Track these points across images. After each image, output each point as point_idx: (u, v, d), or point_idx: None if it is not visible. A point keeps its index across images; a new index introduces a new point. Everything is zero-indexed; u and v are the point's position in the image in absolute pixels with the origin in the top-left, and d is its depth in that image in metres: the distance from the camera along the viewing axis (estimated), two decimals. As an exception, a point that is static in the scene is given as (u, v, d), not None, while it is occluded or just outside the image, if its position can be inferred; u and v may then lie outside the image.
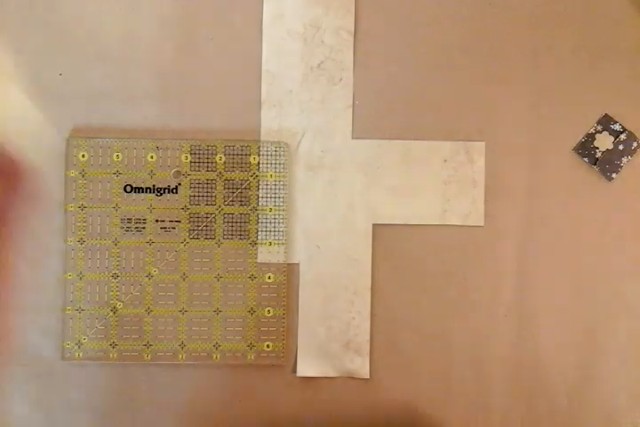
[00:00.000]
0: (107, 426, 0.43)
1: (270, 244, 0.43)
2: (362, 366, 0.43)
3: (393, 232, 0.43)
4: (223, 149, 0.43)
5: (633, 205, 0.44)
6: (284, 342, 0.43)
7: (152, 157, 0.43)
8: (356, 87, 0.44)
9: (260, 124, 0.44)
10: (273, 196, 0.43)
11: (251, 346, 0.43)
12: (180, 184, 0.43)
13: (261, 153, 0.43)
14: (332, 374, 0.43)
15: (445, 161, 0.44)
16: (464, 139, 0.44)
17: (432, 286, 0.43)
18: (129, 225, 0.43)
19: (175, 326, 0.43)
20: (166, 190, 0.43)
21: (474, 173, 0.44)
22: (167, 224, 0.43)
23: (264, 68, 0.44)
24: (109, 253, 0.43)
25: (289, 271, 0.43)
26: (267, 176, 0.43)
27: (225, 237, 0.43)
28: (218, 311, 0.43)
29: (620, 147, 0.44)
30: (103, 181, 0.43)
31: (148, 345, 0.43)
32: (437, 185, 0.44)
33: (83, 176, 0.43)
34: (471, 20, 0.44)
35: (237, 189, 0.43)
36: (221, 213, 0.43)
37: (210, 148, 0.43)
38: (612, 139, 0.44)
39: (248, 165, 0.43)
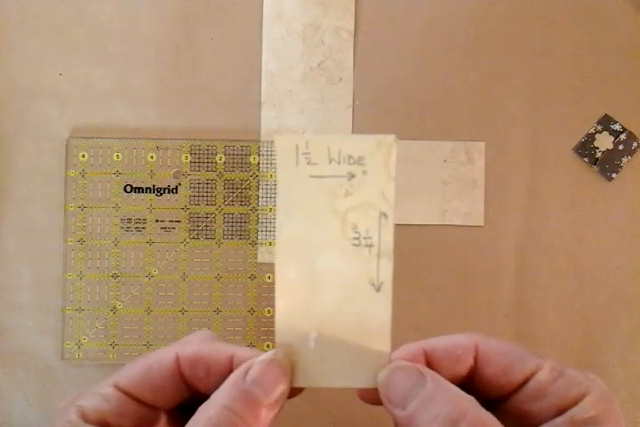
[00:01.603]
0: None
1: (270, 244, 0.43)
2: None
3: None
4: (223, 149, 0.43)
5: (633, 205, 0.44)
6: (284, 342, 0.43)
7: (152, 157, 0.43)
8: (355, 87, 0.44)
9: (260, 124, 0.44)
10: (273, 196, 0.43)
11: (251, 346, 0.43)
12: (180, 184, 0.43)
13: (261, 153, 0.43)
14: (331, 374, 0.43)
15: (445, 161, 0.44)
16: (464, 139, 0.44)
17: (432, 285, 0.43)
18: (129, 225, 0.43)
19: (175, 326, 0.43)
20: (166, 190, 0.43)
21: (474, 173, 0.44)
22: (167, 224, 0.43)
23: (264, 68, 0.44)
24: (109, 253, 0.43)
25: (289, 271, 0.43)
26: (267, 176, 0.43)
27: (225, 237, 0.43)
28: (218, 311, 0.43)
29: (620, 147, 0.44)
30: (103, 181, 0.43)
31: (147, 345, 0.43)
32: (437, 185, 0.44)
33: (83, 176, 0.43)
34: (471, 20, 0.44)
35: (237, 189, 0.43)
36: (221, 213, 0.43)
37: (210, 148, 0.43)
38: (612, 139, 0.44)
39: (248, 165, 0.43)
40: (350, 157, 0.22)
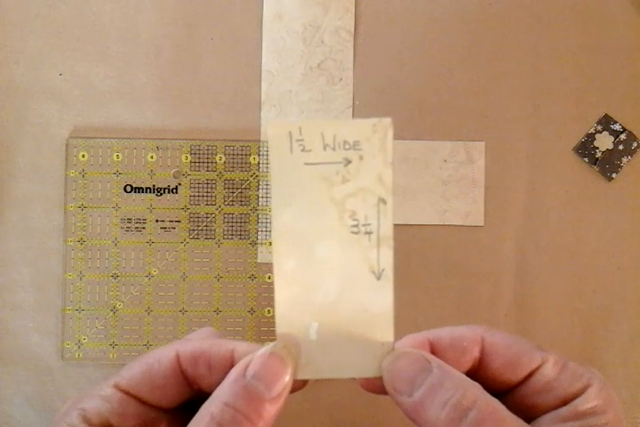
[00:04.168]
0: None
1: (270, 244, 0.43)
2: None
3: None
4: (223, 149, 0.43)
5: (633, 205, 0.44)
6: (284, 342, 0.43)
7: (152, 157, 0.43)
8: (355, 87, 0.44)
9: (260, 124, 0.44)
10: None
11: (251, 346, 0.43)
12: (180, 184, 0.43)
13: (261, 153, 0.43)
14: (331, 374, 0.43)
15: (445, 161, 0.44)
16: (464, 139, 0.44)
17: (432, 286, 0.43)
18: (129, 225, 0.43)
19: (175, 326, 0.43)
20: (166, 190, 0.43)
21: (474, 173, 0.44)
22: (167, 224, 0.43)
23: (264, 68, 0.44)
24: (109, 253, 0.43)
25: (289, 271, 0.43)
26: (267, 176, 0.43)
27: (225, 237, 0.43)
28: (218, 311, 0.43)
29: (620, 147, 0.44)
30: (103, 181, 0.43)
31: (147, 345, 0.43)
32: (437, 185, 0.44)
33: (83, 176, 0.43)
34: (471, 20, 0.44)
35: (237, 189, 0.43)
36: (221, 213, 0.43)
37: (210, 148, 0.43)
38: (612, 139, 0.44)
39: (248, 165, 0.43)
40: (346, 142, 0.21)
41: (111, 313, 0.43)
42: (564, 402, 0.21)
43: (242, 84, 0.44)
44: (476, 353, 0.22)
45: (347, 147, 0.21)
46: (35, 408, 0.43)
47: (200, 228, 0.43)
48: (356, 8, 0.44)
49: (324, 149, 0.21)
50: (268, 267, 0.43)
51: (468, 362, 0.22)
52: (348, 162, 0.21)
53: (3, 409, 0.43)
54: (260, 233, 0.43)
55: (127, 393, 0.22)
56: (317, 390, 0.43)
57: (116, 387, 0.22)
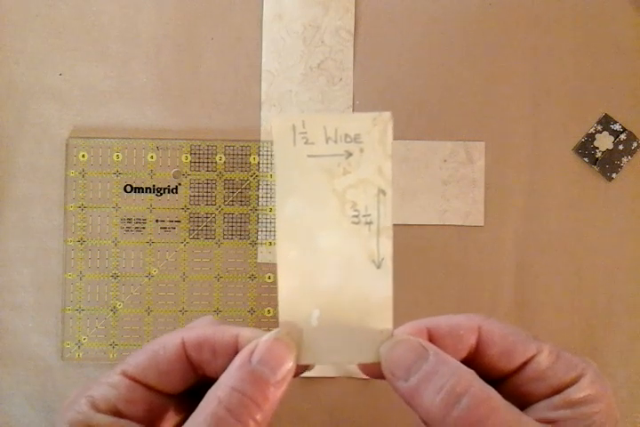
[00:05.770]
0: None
1: (270, 244, 0.43)
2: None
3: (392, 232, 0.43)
4: (223, 149, 0.43)
5: (633, 205, 0.44)
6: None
7: (152, 157, 0.43)
8: (355, 87, 0.44)
9: (260, 124, 0.44)
10: (273, 196, 0.43)
11: (251, 346, 0.43)
12: (180, 184, 0.43)
13: (261, 153, 0.43)
14: (332, 374, 0.43)
15: (445, 161, 0.44)
16: (464, 139, 0.44)
17: (432, 286, 0.43)
18: (129, 225, 0.43)
19: (175, 325, 0.43)
20: (166, 190, 0.43)
21: (474, 173, 0.44)
22: (167, 224, 0.43)
23: (264, 68, 0.44)
24: (109, 253, 0.43)
25: (289, 271, 0.43)
26: (267, 176, 0.43)
27: (225, 237, 0.43)
28: (218, 311, 0.43)
29: (620, 147, 0.44)
30: (103, 181, 0.43)
31: (147, 345, 0.43)
32: (437, 185, 0.44)
33: (83, 176, 0.43)
34: (471, 20, 0.44)
35: (237, 189, 0.43)
36: (221, 213, 0.43)
37: (210, 148, 0.43)
38: (612, 139, 0.44)
39: (248, 165, 0.43)
40: (347, 135, 0.22)
41: (111, 313, 0.43)
42: (558, 391, 0.21)
43: (242, 84, 0.44)
44: (472, 341, 0.23)
45: (348, 140, 0.22)
46: (35, 408, 0.43)
47: (200, 228, 0.43)
48: (356, 8, 0.44)
49: (327, 141, 0.22)
50: (268, 267, 0.43)
51: (465, 350, 0.23)
52: (349, 154, 0.22)
53: (3, 409, 0.43)
54: (259, 233, 0.43)
55: (134, 380, 0.22)
56: (317, 390, 0.43)
57: (123, 374, 0.22)
